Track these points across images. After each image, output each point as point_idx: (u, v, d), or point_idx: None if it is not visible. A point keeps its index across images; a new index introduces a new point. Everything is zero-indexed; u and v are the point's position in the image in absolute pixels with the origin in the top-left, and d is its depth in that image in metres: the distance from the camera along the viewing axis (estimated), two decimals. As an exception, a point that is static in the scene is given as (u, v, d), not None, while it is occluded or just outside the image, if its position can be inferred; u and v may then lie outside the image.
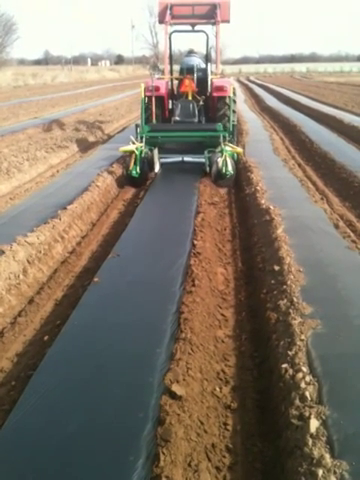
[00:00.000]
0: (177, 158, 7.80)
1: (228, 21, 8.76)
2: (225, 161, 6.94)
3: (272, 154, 8.84)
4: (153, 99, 7.97)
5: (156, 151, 7.52)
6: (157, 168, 7.57)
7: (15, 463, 2.14)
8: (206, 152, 7.34)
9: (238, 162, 7.62)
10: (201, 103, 8.53)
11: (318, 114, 15.54)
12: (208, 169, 7.31)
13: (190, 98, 8.49)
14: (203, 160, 7.40)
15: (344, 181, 7.12)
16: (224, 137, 7.27)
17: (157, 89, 8.01)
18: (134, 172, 7.04)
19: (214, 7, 8.57)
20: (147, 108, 8.06)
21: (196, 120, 8.27)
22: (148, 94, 7.97)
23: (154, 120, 8.08)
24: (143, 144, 7.28)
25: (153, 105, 7.99)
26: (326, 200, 6.24)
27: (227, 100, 7.94)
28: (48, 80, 42.47)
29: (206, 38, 9.08)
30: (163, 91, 8.23)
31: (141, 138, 7.40)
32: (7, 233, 4.64)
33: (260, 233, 4.93)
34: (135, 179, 7.14)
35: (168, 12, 8.52)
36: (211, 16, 8.63)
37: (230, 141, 7.51)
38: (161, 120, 8.41)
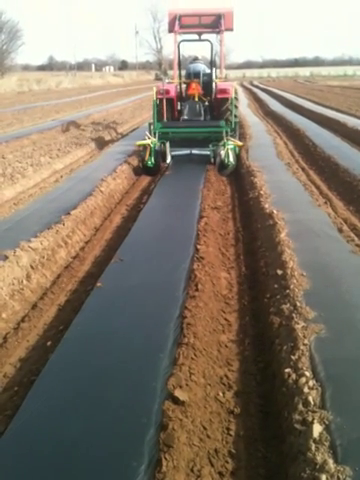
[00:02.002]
0: (186, 151, 8.64)
1: (231, 29, 9.56)
2: (227, 153, 7.99)
3: (276, 158, 8.83)
4: (164, 101, 8.92)
5: (168, 144, 8.37)
6: (169, 159, 8.43)
7: (18, 468, 2.14)
8: (211, 145, 8.36)
9: (242, 164, 8.27)
10: (206, 104, 9.58)
11: (321, 118, 15.53)
12: (213, 160, 8.33)
13: (197, 99, 9.47)
14: (208, 152, 8.40)
15: (348, 185, 7.10)
16: (227, 132, 8.20)
17: (167, 92, 8.96)
18: (149, 163, 8.14)
19: (219, 17, 9.36)
20: (159, 108, 8.91)
21: (202, 118, 9.31)
22: (160, 96, 8.89)
23: (165, 119, 8.99)
24: (156, 139, 8.20)
25: (164, 106, 8.93)
26: (330, 204, 6.23)
27: (230, 101, 8.87)
28: (52, 86, 42.67)
29: (211, 46, 9.87)
30: (173, 94, 9.18)
31: (154, 134, 8.30)
32: (11, 238, 4.66)
33: (263, 237, 4.92)
34: (150, 169, 8.25)
35: (177, 22, 9.36)
36: (216, 25, 9.43)
37: (232, 136, 8.42)
38: (171, 119, 9.31)
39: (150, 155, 8.09)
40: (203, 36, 10.10)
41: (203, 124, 9.03)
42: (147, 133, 8.42)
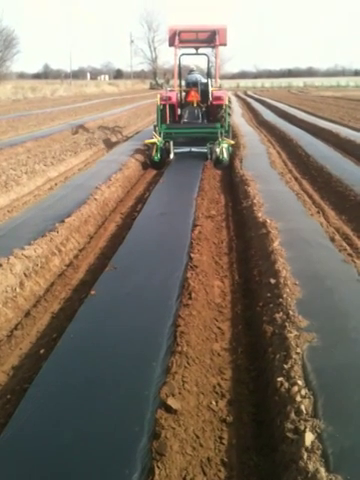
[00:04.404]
0: (186, 149, 10.14)
1: (225, 44, 10.68)
2: (222, 150, 9.45)
3: (269, 168, 8.90)
4: (167, 106, 10.13)
5: (171, 143, 9.82)
6: (172, 156, 9.88)
7: (10, 476, 2.13)
8: (208, 144, 9.78)
9: (236, 173, 8.59)
10: (203, 109, 10.88)
11: (315, 128, 15.66)
12: (209, 157, 9.76)
13: (195, 105, 10.79)
14: (206, 150, 9.85)
15: (340, 195, 7.16)
16: (221, 133, 9.52)
17: (169, 99, 10.23)
18: (156, 158, 9.58)
19: (214, 33, 10.40)
20: (162, 113, 10.07)
21: (200, 121, 10.71)
22: (163, 102, 10.11)
23: (167, 122, 10.16)
24: (161, 138, 9.48)
25: (167, 110, 10.15)
26: (322, 213, 6.28)
27: (224, 106, 10.10)
28: (47, 94, 42.73)
29: (207, 59, 11.45)
30: (174, 100, 10.44)
31: (160, 134, 9.55)
32: (4, 246, 4.65)
33: (257, 246, 4.95)
34: (157, 163, 9.66)
35: (176, 38, 10.39)
36: (211, 40, 10.54)
37: (226, 136, 9.71)
38: (173, 122, 10.50)
39: (156, 151, 9.53)
40: (200, 50, 11.29)
41: (201, 126, 10.46)
42: (154, 133, 9.72)
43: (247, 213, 6.13)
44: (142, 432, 2.32)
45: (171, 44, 10.65)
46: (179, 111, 10.93)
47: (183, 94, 11.14)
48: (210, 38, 10.56)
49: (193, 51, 11.26)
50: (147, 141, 9.92)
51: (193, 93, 10.77)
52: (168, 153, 9.86)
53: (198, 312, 3.55)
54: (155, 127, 10.06)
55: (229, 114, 10.54)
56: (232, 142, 10.07)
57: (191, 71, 11.69)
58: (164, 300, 3.73)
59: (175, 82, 11.16)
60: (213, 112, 10.66)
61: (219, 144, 9.46)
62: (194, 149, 10.11)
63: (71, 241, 5.30)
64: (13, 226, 5.51)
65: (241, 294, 4.26)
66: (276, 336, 3.16)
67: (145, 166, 10.21)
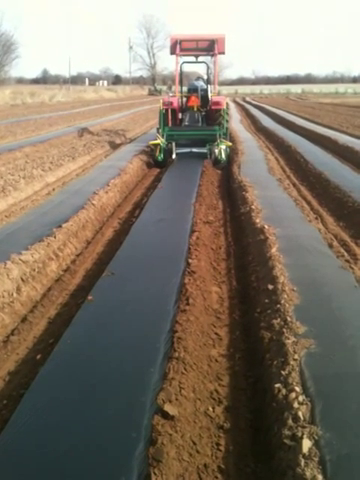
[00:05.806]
0: (187, 149, 10.93)
1: (223, 53, 11.35)
2: (220, 151, 10.16)
3: (267, 174, 8.91)
4: (169, 110, 10.81)
5: (173, 144, 10.56)
6: (174, 156, 10.56)
7: (5, 484, 2.12)
8: (207, 145, 10.56)
9: (234, 179, 8.60)
10: (203, 113, 11.59)
11: (313, 135, 15.71)
12: (209, 157, 10.50)
13: (195, 110, 11.49)
14: (205, 151, 10.64)
15: (338, 201, 7.17)
16: (219, 135, 10.28)
17: (171, 104, 10.92)
18: (159, 158, 10.31)
19: (213, 42, 11.05)
20: (165, 116, 10.78)
21: (200, 124, 11.40)
22: (165, 107, 10.82)
23: (170, 125, 10.87)
24: (164, 139, 10.26)
25: (169, 114, 10.84)
26: (320, 220, 6.29)
27: (222, 111, 10.92)
28: (46, 99, 42.79)
29: (207, 66, 12.38)
30: (175, 105, 11.18)
31: (163, 135, 10.33)
32: (2, 251, 4.64)
33: (255, 252, 4.95)
34: (160, 162, 10.40)
35: (178, 46, 11.04)
36: (210, 49, 11.19)
37: (224, 138, 10.45)
38: (174, 125, 11.17)
39: (160, 152, 10.24)
40: (200, 58, 12.01)
41: (201, 128, 11.18)
42: (157, 134, 10.47)
43: (245, 219, 6.13)
44: (139, 438, 2.30)
45: (173, 52, 11.27)
46: (180, 115, 11.62)
47: (184, 99, 11.86)
48: (209, 47, 11.16)
49: (193, 59, 11.96)
50: (151, 142, 10.58)
51: (193, 98, 11.49)
52: (170, 153, 10.48)
53: (196, 318, 3.54)
54: (158, 130, 10.78)
55: (227, 121, 11.25)
56: (230, 144, 10.69)
57: (198, 78, 12.55)
58: (161, 306, 3.72)
59: (176, 88, 11.85)
60: (212, 116, 11.32)
61: (218, 145, 10.13)
62: (195, 150, 10.87)
63: (68, 246, 5.29)
64: (10, 231, 5.50)
65: (239, 300, 4.26)
66: (274, 342, 3.15)
67: (143, 171, 10.25)
